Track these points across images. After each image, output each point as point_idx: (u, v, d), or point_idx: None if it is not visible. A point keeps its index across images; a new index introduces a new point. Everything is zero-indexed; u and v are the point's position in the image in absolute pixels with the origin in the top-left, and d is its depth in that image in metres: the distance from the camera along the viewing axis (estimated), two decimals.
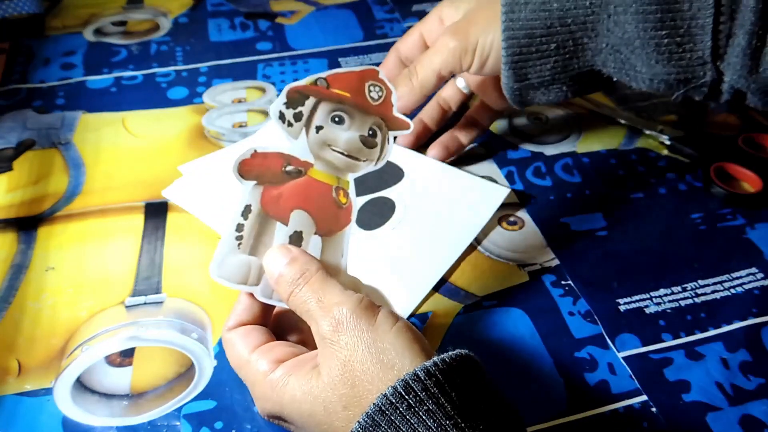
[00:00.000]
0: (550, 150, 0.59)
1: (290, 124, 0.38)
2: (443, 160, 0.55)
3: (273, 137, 0.40)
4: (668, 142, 0.59)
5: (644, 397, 0.41)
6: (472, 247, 0.49)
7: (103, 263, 0.48)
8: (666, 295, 0.46)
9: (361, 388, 0.32)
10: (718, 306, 0.46)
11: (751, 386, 0.41)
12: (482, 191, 0.51)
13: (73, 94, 0.64)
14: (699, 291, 0.47)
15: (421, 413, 0.29)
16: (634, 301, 0.46)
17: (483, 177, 0.54)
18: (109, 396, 0.40)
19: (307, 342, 0.38)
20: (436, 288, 0.46)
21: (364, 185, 0.41)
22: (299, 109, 0.38)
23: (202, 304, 0.45)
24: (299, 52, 0.70)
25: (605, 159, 0.58)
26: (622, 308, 0.46)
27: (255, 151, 0.38)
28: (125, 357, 0.42)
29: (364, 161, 0.40)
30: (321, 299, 0.35)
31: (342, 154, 0.39)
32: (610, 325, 0.44)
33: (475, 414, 0.30)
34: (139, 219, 0.51)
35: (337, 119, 0.39)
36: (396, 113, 0.40)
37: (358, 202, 0.40)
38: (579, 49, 0.44)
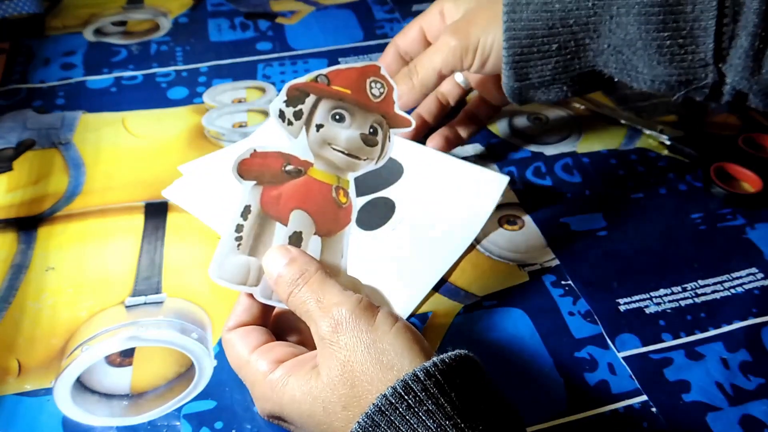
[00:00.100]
0: (550, 150, 0.59)
1: (290, 123, 0.38)
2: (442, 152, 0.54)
3: (272, 136, 0.40)
4: (668, 142, 0.59)
5: (644, 397, 0.41)
6: (472, 247, 0.49)
7: (103, 263, 0.48)
8: (666, 295, 0.46)
9: (361, 389, 0.32)
10: (718, 306, 0.46)
11: (751, 386, 0.41)
12: (482, 182, 0.50)
13: (73, 94, 0.64)
14: (699, 291, 0.47)
15: (420, 413, 0.29)
16: (634, 301, 0.46)
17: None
18: (109, 396, 0.40)
19: (307, 342, 0.38)
20: (436, 288, 0.46)
21: (363, 185, 0.41)
22: (299, 107, 0.38)
23: (202, 304, 0.45)
24: (299, 52, 0.70)
25: (605, 159, 0.58)
26: (622, 308, 0.46)
27: (254, 150, 0.37)
28: (125, 357, 0.42)
29: (364, 160, 0.39)
30: (320, 300, 0.35)
31: (342, 152, 0.39)
32: (610, 325, 0.44)
33: (475, 414, 0.30)
34: (139, 219, 0.51)
35: (337, 117, 0.39)
36: (397, 110, 0.40)
37: (357, 202, 0.40)
38: (580, 50, 0.44)
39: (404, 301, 0.45)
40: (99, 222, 0.51)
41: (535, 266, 0.48)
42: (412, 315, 0.45)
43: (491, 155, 0.58)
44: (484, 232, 0.50)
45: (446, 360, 0.31)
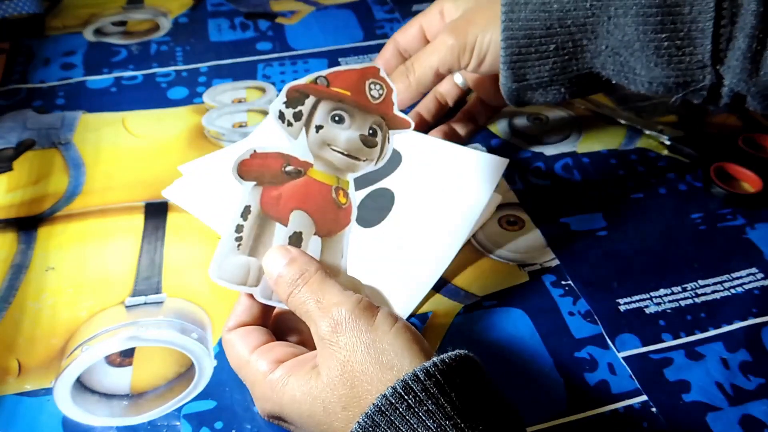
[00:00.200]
0: (550, 150, 0.59)
1: (290, 124, 0.38)
2: None
3: (272, 137, 0.40)
4: (668, 142, 0.59)
5: (644, 397, 0.41)
6: (472, 247, 0.49)
7: (103, 263, 0.48)
8: (666, 295, 0.46)
9: (361, 389, 0.32)
10: (718, 306, 0.46)
11: (751, 386, 0.41)
12: (481, 165, 0.49)
13: (73, 94, 0.64)
14: (699, 291, 0.47)
15: (420, 414, 0.29)
16: (634, 301, 0.46)
17: None
18: (109, 396, 0.40)
19: (307, 342, 0.38)
20: (436, 288, 0.46)
21: (361, 177, 0.40)
22: (299, 108, 0.38)
23: (202, 304, 0.45)
24: (299, 52, 0.70)
25: (605, 159, 0.58)
26: (622, 308, 0.46)
27: (254, 151, 0.38)
28: (125, 357, 0.42)
29: (364, 161, 0.39)
30: (320, 300, 0.35)
31: (342, 153, 0.39)
32: (610, 325, 0.44)
33: (475, 414, 0.30)
34: (139, 219, 0.51)
35: (337, 118, 0.39)
36: (396, 112, 0.40)
37: (357, 195, 0.40)
38: (578, 51, 0.44)
39: (405, 300, 0.45)
40: (99, 222, 0.51)
41: (535, 266, 0.48)
42: (412, 315, 0.45)
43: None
44: (484, 232, 0.50)
45: (446, 360, 0.31)
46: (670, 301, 0.46)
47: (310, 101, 0.38)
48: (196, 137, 0.59)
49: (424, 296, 0.45)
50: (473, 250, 0.49)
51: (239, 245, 0.37)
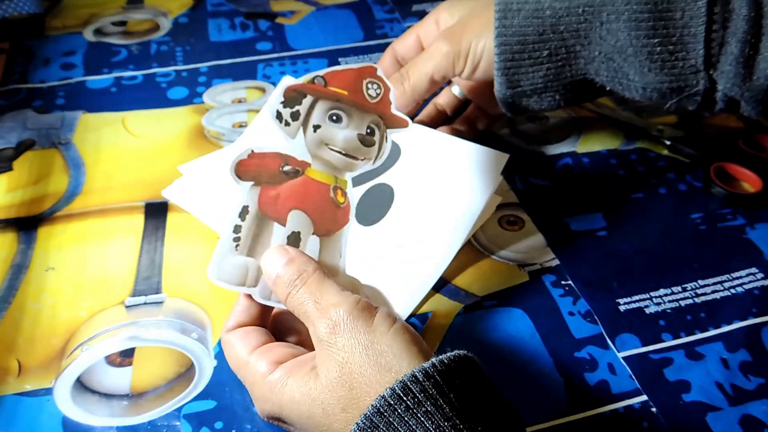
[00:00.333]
0: (550, 150, 0.59)
1: (287, 124, 0.38)
2: None
3: (269, 136, 0.40)
4: (668, 142, 0.59)
5: (644, 397, 0.41)
6: (472, 247, 0.49)
7: (103, 263, 0.48)
8: (666, 295, 0.46)
9: (359, 391, 0.32)
10: (718, 306, 0.46)
11: (751, 386, 0.41)
12: (482, 160, 0.49)
13: (73, 94, 0.64)
14: (699, 291, 0.47)
15: (419, 415, 0.29)
16: (634, 301, 0.46)
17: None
18: (109, 396, 0.40)
19: (306, 343, 0.38)
20: (436, 288, 0.46)
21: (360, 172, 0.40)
22: (296, 108, 0.38)
23: (202, 304, 0.45)
24: (299, 52, 0.70)
25: (605, 159, 0.58)
26: (622, 308, 0.46)
27: (252, 151, 0.38)
28: (125, 357, 0.42)
29: (362, 160, 0.39)
30: (318, 301, 0.35)
31: (340, 153, 0.39)
32: (610, 325, 0.44)
33: (474, 415, 0.30)
34: (139, 219, 0.51)
35: (334, 118, 0.39)
36: (394, 111, 0.40)
37: (356, 192, 0.40)
38: (571, 57, 0.44)
39: (405, 300, 0.45)
40: (99, 222, 0.51)
41: (535, 266, 0.48)
42: (412, 315, 0.45)
43: None
44: (485, 232, 0.50)
45: (445, 361, 0.31)
46: (670, 301, 0.46)
47: (307, 101, 0.38)
48: (196, 137, 0.59)
49: (424, 295, 0.45)
50: (473, 250, 0.49)
51: (237, 245, 0.37)
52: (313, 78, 0.39)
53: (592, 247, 0.50)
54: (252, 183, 0.38)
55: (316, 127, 0.39)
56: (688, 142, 0.58)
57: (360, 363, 0.32)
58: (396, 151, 0.50)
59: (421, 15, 0.76)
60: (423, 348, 0.33)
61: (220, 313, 0.45)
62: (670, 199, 0.54)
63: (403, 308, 0.44)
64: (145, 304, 0.45)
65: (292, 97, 0.38)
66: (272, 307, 0.39)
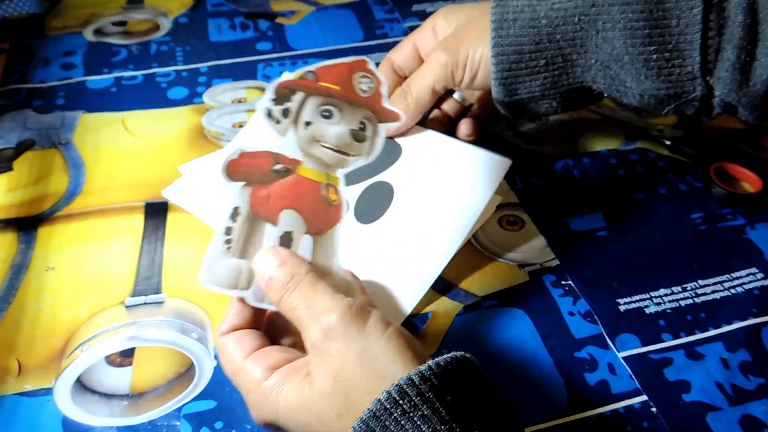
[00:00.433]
0: (550, 150, 0.59)
1: (278, 121, 0.37)
2: None
3: (260, 135, 0.39)
4: (668, 142, 0.59)
5: (644, 397, 0.41)
6: (472, 247, 0.49)
7: (103, 263, 0.48)
8: (666, 295, 0.46)
9: (354, 398, 0.31)
10: (718, 306, 0.46)
11: (751, 386, 0.41)
12: (484, 164, 0.49)
13: (73, 94, 0.64)
14: (699, 291, 0.47)
15: (415, 418, 0.29)
16: (634, 301, 0.46)
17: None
18: (109, 396, 0.40)
19: (302, 344, 0.38)
20: (437, 288, 0.46)
21: (359, 169, 0.40)
22: (287, 105, 0.38)
23: (202, 304, 0.45)
24: (299, 52, 0.70)
25: (605, 159, 0.58)
26: (622, 308, 0.46)
27: (243, 151, 0.37)
28: (125, 357, 0.42)
29: (354, 156, 0.39)
30: (310, 306, 0.34)
31: (332, 149, 0.38)
32: (610, 325, 0.44)
33: (471, 417, 0.30)
34: (139, 219, 0.51)
35: (326, 114, 0.38)
36: (386, 104, 0.39)
37: (355, 190, 0.39)
38: (568, 66, 0.44)
39: (405, 298, 0.44)
40: (99, 222, 0.51)
41: (535, 266, 0.48)
42: (412, 315, 0.45)
43: None
44: (485, 232, 0.50)
45: (441, 363, 0.31)
46: (670, 301, 0.46)
47: (298, 97, 0.38)
48: (196, 137, 0.59)
49: (424, 293, 0.45)
50: (473, 250, 0.49)
51: (229, 248, 0.37)
52: (304, 74, 0.38)
53: (592, 247, 0.50)
54: (243, 183, 0.37)
55: (308, 124, 0.38)
56: (688, 142, 0.58)
57: (354, 370, 0.32)
58: (397, 150, 0.50)
59: (421, 15, 0.76)
60: (418, 352, 0.33)
61: (220, 313, 0.44)
62: (670, 199, 0.54)
63: (404, 306, 0.44)
64: (145, 304, 0.45)
65: (283, 94, 0.37)
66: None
